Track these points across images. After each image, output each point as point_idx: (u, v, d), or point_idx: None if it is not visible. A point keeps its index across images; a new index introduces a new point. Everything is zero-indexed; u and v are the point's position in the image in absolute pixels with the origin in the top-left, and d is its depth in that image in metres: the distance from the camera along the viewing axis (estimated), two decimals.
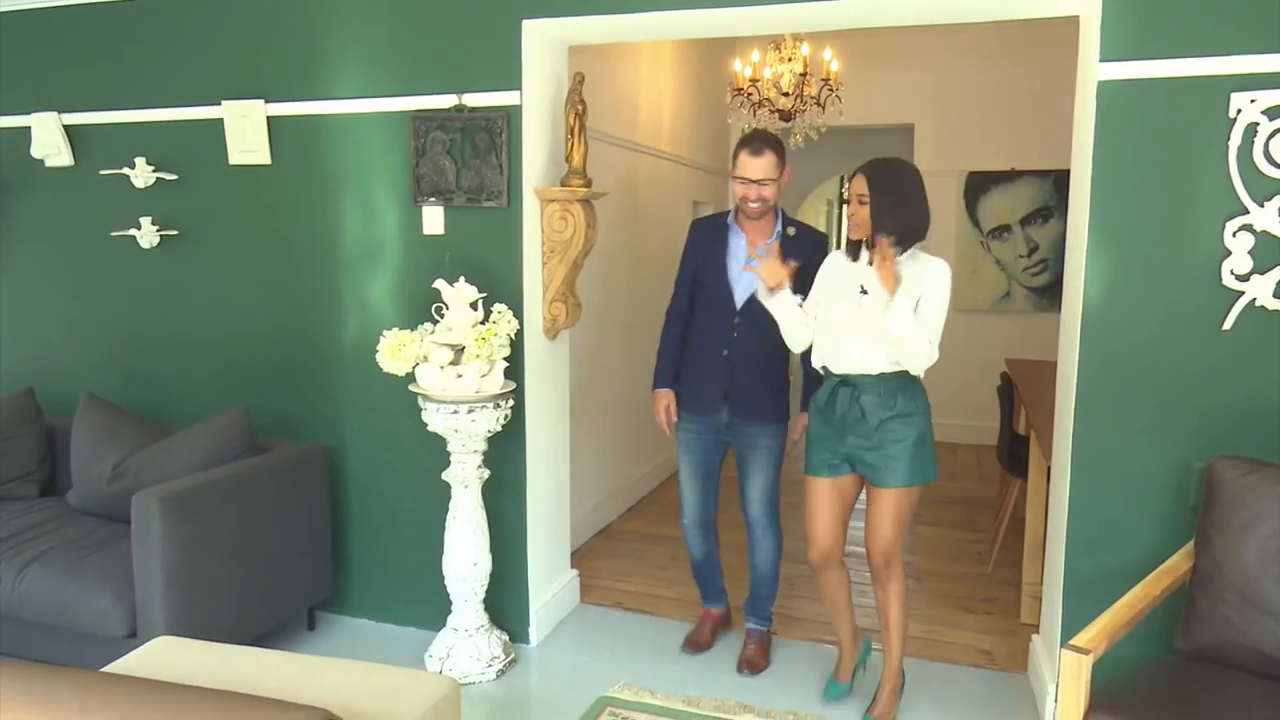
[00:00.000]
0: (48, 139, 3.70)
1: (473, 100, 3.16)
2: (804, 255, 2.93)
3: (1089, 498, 2.71)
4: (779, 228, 3.12)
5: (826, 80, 5.24)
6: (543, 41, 3.20)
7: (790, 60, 5.26)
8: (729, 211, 3.18)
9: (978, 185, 6.49)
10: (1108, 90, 2.57)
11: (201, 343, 3.66)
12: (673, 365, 3.22)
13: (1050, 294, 6.35)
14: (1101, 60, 2.56)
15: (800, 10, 2.87)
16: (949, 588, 3.95)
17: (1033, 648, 3.13)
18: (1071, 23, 2.84)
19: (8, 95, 3.79)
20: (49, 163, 3.75)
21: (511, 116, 3.13)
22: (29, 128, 3.71)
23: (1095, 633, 2.10)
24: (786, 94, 5.31)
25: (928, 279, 2.60)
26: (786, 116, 5.41)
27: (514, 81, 3.12)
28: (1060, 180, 6.15)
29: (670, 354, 3.23)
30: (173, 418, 3.58)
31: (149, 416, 3.57)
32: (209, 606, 2.85)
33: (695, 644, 3.37)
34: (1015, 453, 3.97)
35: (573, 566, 3.78)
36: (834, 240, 12.31)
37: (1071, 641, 2.06)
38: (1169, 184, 2.55)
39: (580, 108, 3.15)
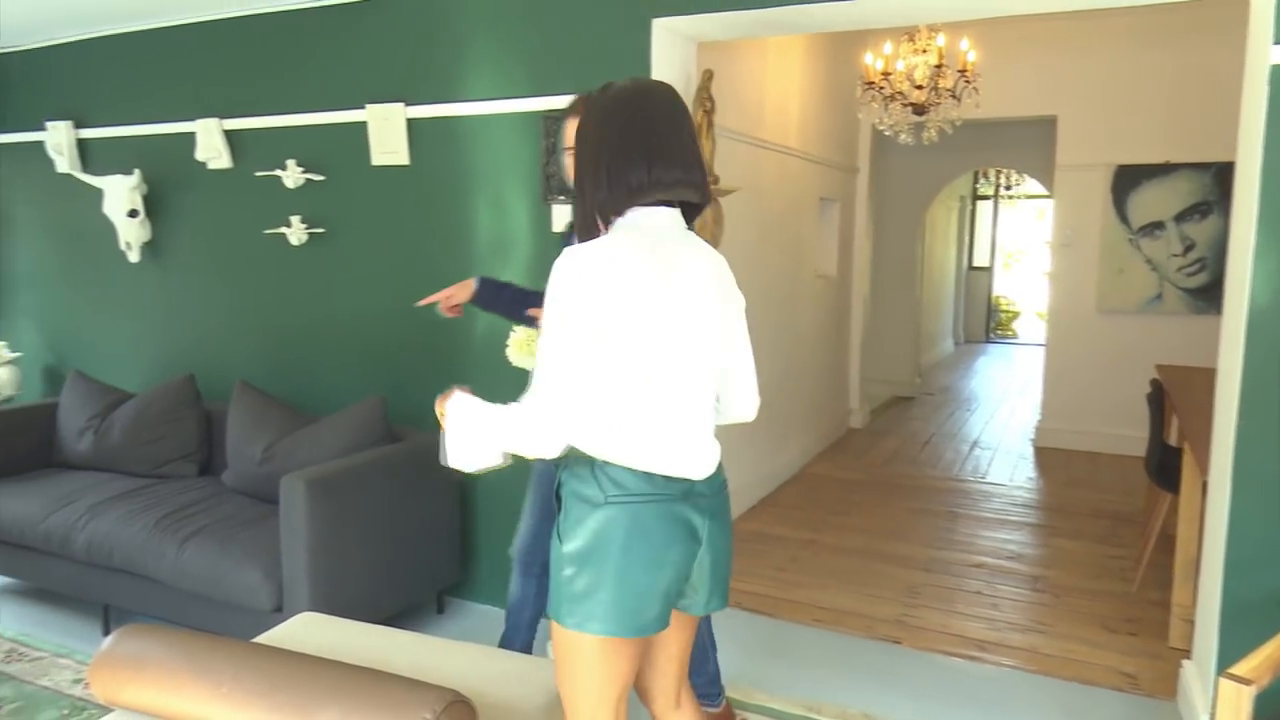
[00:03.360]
0: (210, 143, 3.97)
1: None
2: None
3: (1251, 515, 2.50)
4: None
5: (963, 71, 5.04)
6: (672, 39, 3.21)
7: (925, 51, 5.09)
8: None
9: (1128, 179, 6.10)
10: None
11: (343, 335, 3.85)
12: (504, 284, 2.72)
13: (1208, 295, 5.92)
14: (1276, 43, 2.36)
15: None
16: (1089, 605, 3.74)
17: (1183, 674, 2.93)
18: (1239, 2, 2.62)
19: (176, 103, 4.09)
20: (210, 165, 4.03)
21: None
22: (194, 133, 4.00)
23: (1259, 662, 1.93)
24: (920, 87, 5.14)
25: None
26: (920, 110, 5.24)
27: None
28: (1222, 173, 5.71)
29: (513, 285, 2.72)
30: (317, 405, 3.78)
31: (295, 403, 3.78)
32: (347, 585, 3.00)
33: None
34: (1166, 465, 3.72)
35: None
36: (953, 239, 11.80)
37: (1231, 670, 1.91)
38: None
39: (709, 105, 3.14)
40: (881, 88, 5.19)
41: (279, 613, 2.90)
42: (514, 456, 1.66)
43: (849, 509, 5.02)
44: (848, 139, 6.50)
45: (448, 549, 3.47)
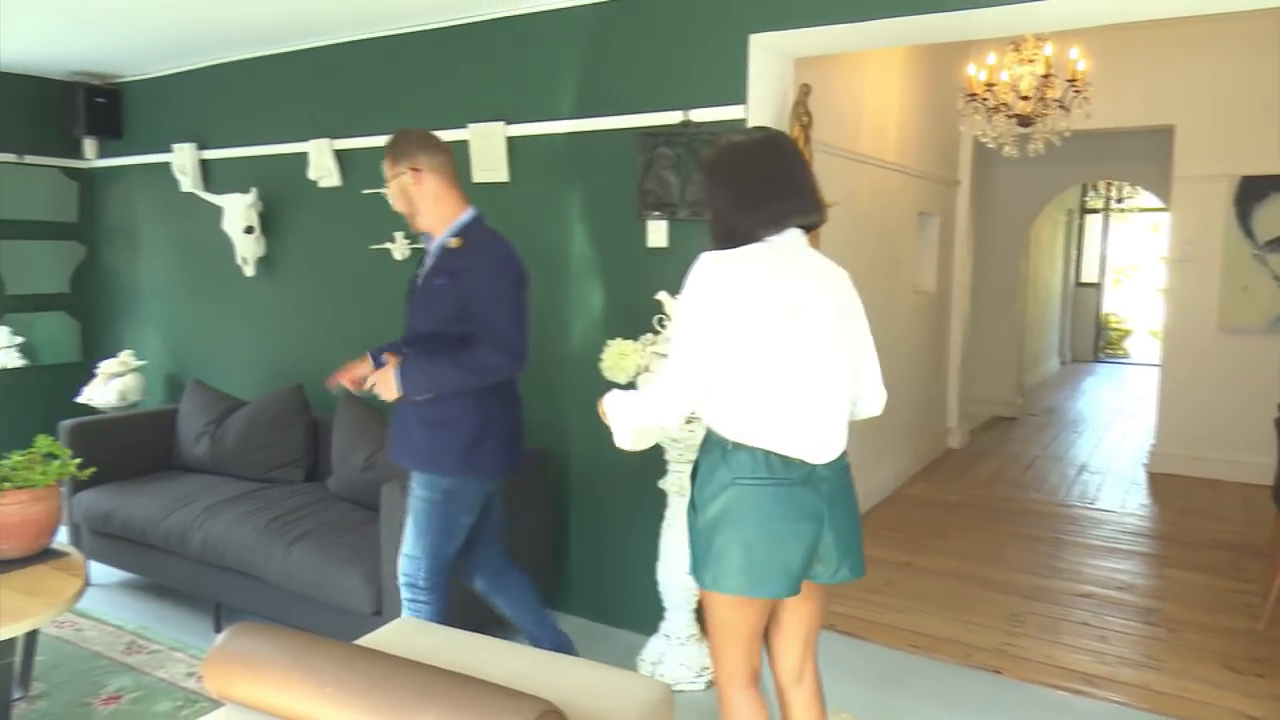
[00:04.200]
0: (322, 162, 4.15)
1: (698, 116, 3.20)
2: (456, 272, 2.59)
3: None
4: (443, 237, 2.69)
5: (1072, 81, 4.86)
6: (770, 55, 3.19)
7: (1031, 61, 4.93)
8: None
9: (1253, 191, 5.77)
10: None
11: None
12: (388, 344, 2.93)
13: None
14: None
15: (1047, 9, 2.67)
16: (1209, 641, 3.52)
17: None
18: None
19: (291, 125, 4.29)
20: (321, 183, 4.21)
21: None
22: (307, 153, 4.18)
23: None
24: (1026, 98, 4.98)
25: None
26: (1026, 121, 5.08)
27: (739, 96, 3.13)
28: None
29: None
30: None
31: None
32: None
33: None
34: None
35: None
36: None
37: None
38: None
39: (806, 119, 3.12)
40: (985, 99, 5.05)
41: (378, 616, 2.98)
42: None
43: (946, 532, 4.87)
44: (948, 152, 6.34)
45: (539, 560, 3.51)
